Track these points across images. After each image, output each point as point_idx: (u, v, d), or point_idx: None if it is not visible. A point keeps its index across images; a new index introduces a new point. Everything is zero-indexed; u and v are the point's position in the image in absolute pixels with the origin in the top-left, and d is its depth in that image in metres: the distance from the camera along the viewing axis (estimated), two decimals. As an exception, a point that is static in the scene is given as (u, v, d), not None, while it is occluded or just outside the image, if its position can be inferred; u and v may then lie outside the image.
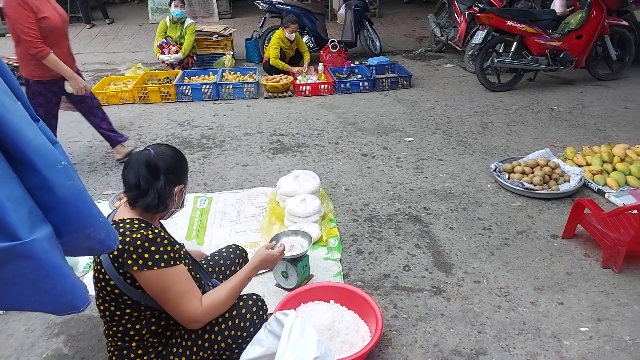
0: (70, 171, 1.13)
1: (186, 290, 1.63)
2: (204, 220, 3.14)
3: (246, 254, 2.28)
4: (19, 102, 1.14)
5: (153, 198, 1.67)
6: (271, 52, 5.93)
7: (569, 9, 6.23)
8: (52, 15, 3.26)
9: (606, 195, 3.35)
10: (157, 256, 1.58)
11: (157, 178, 1.69)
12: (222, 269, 2.13)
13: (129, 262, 1.56)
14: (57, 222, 1.13)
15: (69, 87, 3.52)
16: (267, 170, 3.85)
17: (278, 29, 6.08)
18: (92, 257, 2.39)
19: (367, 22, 7.00)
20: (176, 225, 3.03)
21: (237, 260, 2.19)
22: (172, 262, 1.61)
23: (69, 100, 3.70)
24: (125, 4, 11.17)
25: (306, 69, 6.02)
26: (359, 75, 5.95)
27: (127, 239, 1.57)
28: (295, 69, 5.92)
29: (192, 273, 1.75)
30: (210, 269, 2.10)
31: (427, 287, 2.52)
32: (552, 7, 6.26)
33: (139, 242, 1.57)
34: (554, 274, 2.60)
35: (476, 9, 5.93)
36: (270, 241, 2.45)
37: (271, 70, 6.02)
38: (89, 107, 3.79)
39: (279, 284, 2.50)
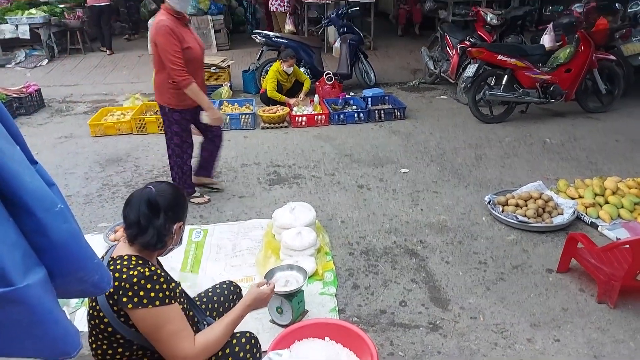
0: (66, 214, 1.13)
1: (179, 329, 1.62)
2: (198, 254, 3.12)
3: (240, 290, 2.27)
4: (17, 146, 1.16)
5: (152, 236, 1.68)
6: (269, 84, 6.03)
7: (557, 44, 6.40)
8: (194, 46, 3.33)
9: (599, 228, 3.37)
10: (152, 294, 1.57)
11: (157, 216, 1.70)
12: (216, 305, 2.11)
13: (124, 299, 1.55)
14: (51, 265, 1.12)
15: (204, 117, 3.49)
16: (264, 202, 3.85)
17: (275, 61, 6.20)
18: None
19: (361, 55, 7.16)
20: (170, 259, 3.00)
21: (230, 297, 2.17)
22: (167, 301, 1.60)
23: (196, 126, 3.68)
24: (124, 35, 11.38)
25: (302, 97, 6.10)
26: (354, 107, 6.04)
27: (124, 276, 1.57)
28: (292, 101, 6.00)
29: (187, 312, 1.73)
30: (203, 306, 2.08)
31: (424, 324, 2.49)
32: (541, 42, 6.44)
33: (135, 280, 1.57)
34: (550, 310, 2.59)
35: (467, 43, 6.09)
36: (265, 275, 2.44)
37: (268, 101, 6.11)
38: (214, 136, 3.76)
39: (274, 320, 2.47)
